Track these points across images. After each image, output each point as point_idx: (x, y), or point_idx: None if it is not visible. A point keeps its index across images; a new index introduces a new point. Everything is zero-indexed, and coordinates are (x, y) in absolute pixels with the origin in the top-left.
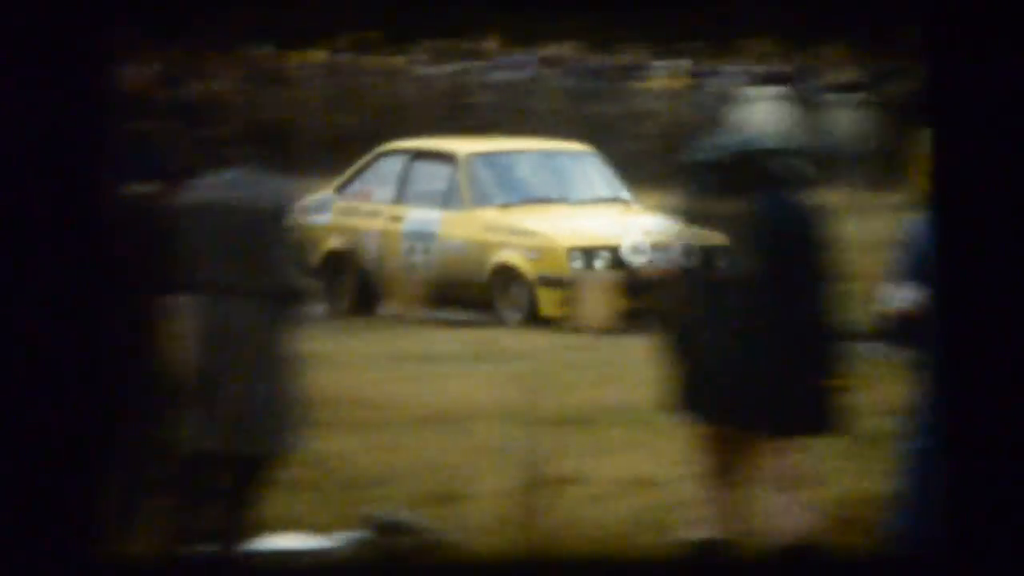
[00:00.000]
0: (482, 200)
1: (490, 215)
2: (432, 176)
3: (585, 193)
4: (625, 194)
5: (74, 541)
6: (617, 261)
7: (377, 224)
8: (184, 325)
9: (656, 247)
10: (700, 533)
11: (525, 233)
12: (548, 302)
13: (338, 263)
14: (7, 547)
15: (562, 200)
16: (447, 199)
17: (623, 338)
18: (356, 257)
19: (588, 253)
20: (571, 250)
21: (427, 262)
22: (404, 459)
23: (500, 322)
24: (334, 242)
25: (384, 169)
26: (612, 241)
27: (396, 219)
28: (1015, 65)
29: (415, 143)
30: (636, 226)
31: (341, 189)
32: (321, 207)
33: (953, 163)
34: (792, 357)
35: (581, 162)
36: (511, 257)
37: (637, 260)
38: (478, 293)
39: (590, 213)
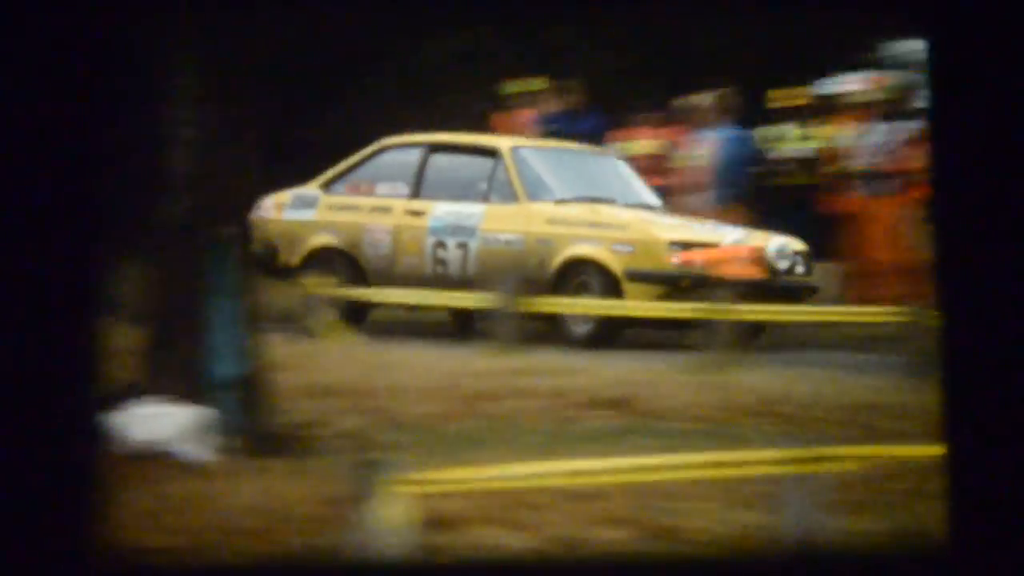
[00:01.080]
0: (538, 194)
1: (551, 208)
2: (464, 170)
3: (624, 195)
4: (655, 199)
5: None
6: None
7: (387, 220)
8: None
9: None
10: None
11: (612, 226)
12: (637, 298)
13: (326, 261)
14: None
15: (611, 200)
16: (488, 193)
17: None
18: (354, 254)
19: (687, 248)
20: (671, 244)
21: (462, 257)
22: None
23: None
24: (322, 239)
25: (388, 164)
26: (710, 238)
27: (417, 214)
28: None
29: (428, 136)
30: (721, 227)
31: (329, 185)
32: (303, 203)
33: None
34: None
35: (611, 165)
36: (589, 250)
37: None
38: (536, 290)
39: (649, 214)
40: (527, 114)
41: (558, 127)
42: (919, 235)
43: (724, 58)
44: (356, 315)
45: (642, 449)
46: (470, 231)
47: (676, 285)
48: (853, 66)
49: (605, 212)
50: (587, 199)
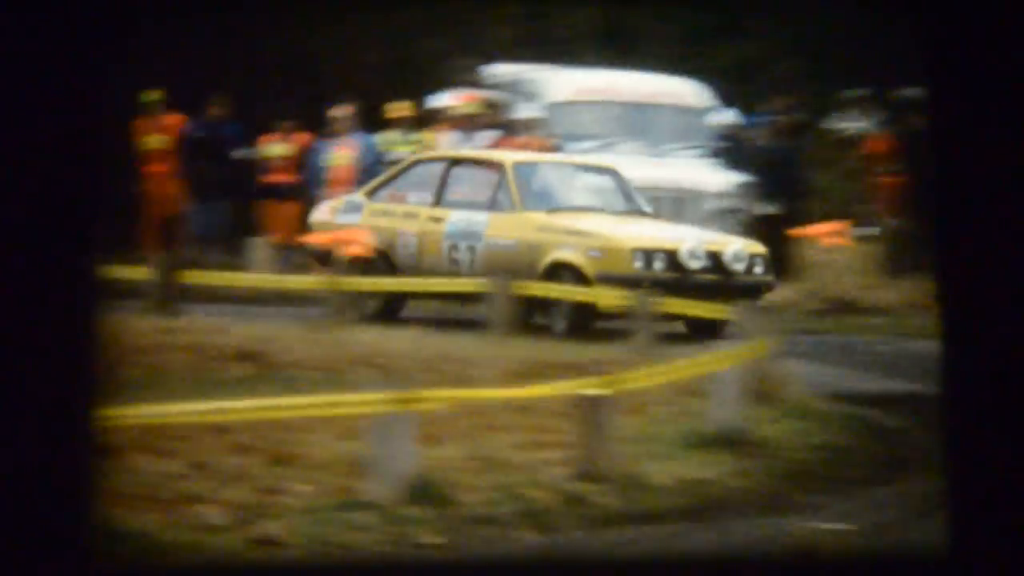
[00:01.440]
0: (532, 204)
1: (542, 217)
2: (475, 181)
3: (618, 204)
4: (647, 207)
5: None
6: (674, 263)
7: (414, 225)
8: None
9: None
10: None
11: (586, 234)
12: (606, 297)
13: (368, 261)
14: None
15: (601, 209)
16: (493, 203)
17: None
18: (388, 253)
19: (648, 254)
20: (635, 250)
21: (470, 259)
22: None
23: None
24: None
25: (419, 175)
26: (670, 245)
27: (437, 220)
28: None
29: (450, 152)
30: (688, 234)
31: (372, 193)
32: (352, 208)
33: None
34: None
35: (608, 177)
36: (568, 255)
37: (694, 263)
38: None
39: (630, 221)
40: (172, 120)
41: (204, 133)
42: None
43: (349, 77)
44: (392, 308)
45: (270, 392)
46: (477, 236)
47: (637, 285)
48: (454, 84)
49: (583, 220)
50: (577, 208)
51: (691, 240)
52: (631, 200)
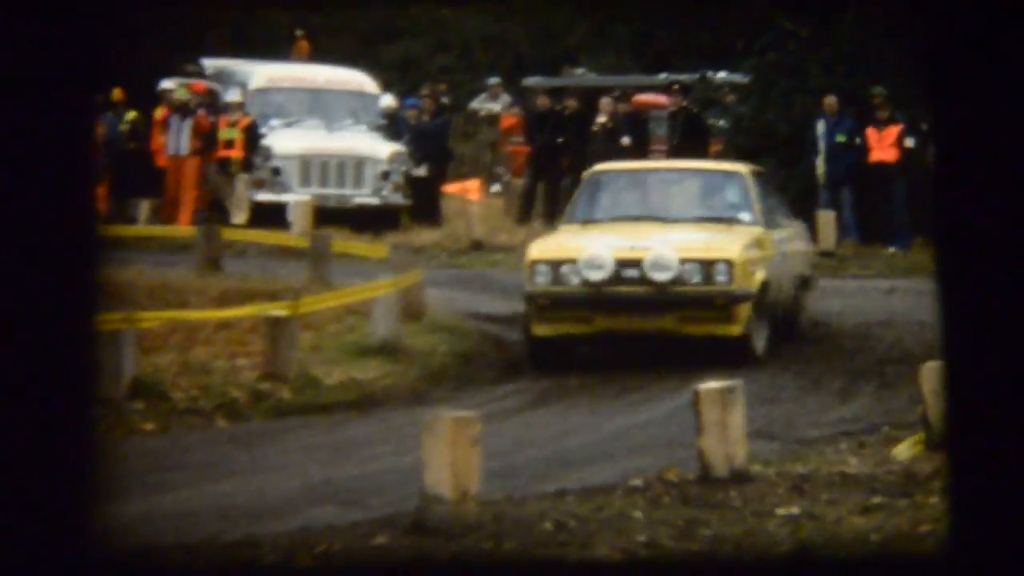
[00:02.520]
0: (574, 217)
1: (568, 230)
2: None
3: (689, 212)
4: (748, 215)
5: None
6: (577, 274)
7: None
8: None
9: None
10: None
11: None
12: (530, 315)
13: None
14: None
15: (658, 218)
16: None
17: None
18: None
19: (554, 266)
20: (534, 263)
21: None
22: None
23: None
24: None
25: None
26: (572, 256)
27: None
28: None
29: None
30: (616, 241)
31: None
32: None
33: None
34: None
35: (717, 182)
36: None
37: (594, 275)
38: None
39: (650, 230)
40: None
41: None
42: (214, 182)
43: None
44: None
45: None
46: None
47: (535, 303)
48: (179, 73)
49: (574, 233)
50: (626, 218)
51: (595, 247)
52: (726, 207)
